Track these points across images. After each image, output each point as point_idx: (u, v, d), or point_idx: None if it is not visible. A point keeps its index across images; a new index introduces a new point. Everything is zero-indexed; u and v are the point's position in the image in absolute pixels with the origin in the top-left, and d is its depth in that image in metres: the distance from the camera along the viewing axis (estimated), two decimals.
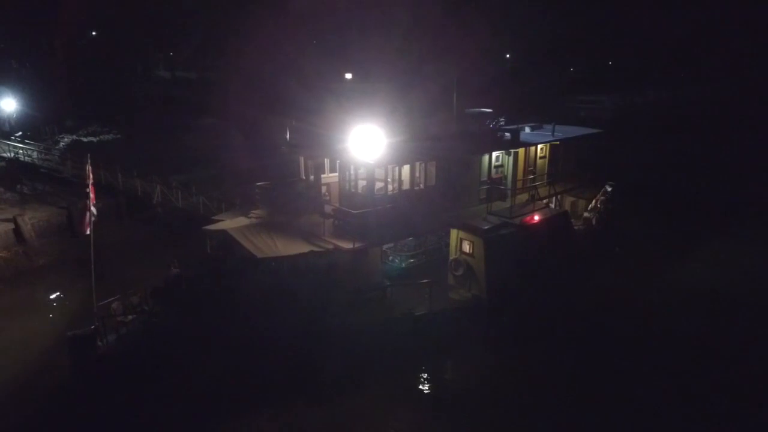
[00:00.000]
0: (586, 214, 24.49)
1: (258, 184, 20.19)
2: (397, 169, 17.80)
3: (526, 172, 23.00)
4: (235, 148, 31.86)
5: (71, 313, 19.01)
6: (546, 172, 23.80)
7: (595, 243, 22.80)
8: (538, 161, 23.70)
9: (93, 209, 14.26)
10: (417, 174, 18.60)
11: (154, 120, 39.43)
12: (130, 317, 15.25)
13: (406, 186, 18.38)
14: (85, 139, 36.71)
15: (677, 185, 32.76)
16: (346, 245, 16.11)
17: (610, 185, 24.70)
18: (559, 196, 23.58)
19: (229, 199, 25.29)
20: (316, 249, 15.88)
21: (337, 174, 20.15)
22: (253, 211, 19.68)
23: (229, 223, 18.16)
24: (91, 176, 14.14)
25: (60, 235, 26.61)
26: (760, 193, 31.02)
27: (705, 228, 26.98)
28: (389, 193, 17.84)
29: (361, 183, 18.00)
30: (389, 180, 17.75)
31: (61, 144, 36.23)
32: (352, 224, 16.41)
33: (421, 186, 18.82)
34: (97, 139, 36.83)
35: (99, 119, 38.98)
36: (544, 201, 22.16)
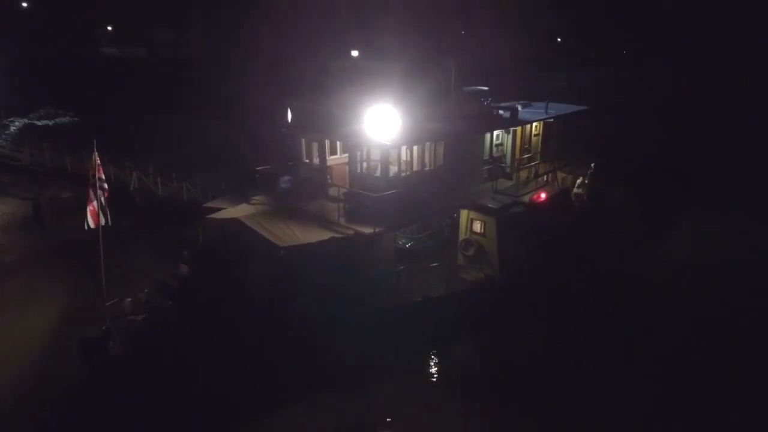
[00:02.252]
0: (577, 190, 25.02)
1: (258, 168, 19.19)
2: (412, 149, 17.36)
3: (522, 150, 23.10)
4: (213, 130, 30.13)
5: (62, 313, 17.56)
6: (540, 149, 24.00)
7: (590, 218, 23.33)
8: (533, 139, 23.85)
9: (102, 201, 13.01)
10: (427, 155, 18.22)
11: (116, 101, 36.67)
12: (140, 317, 14.21)
13: (416, 167, 17.98)
14: (39, 123, 33.67)
15: (657, 160, 33.86)
16: (366, 230, 15.62)
17: (595, 162, 25.29)
18: (550, 174, 23.87)
19: (215, 185, 24.01)
20: (336, 235, 15.31)
21: (338, 156, 19.50)
22: (255, 197, 18.73)
23: (235, 211, 17.16)
24: (98, 160, 12.88)
25: (27, 229, 24.53)
26: (734, 166, 32.69)
27: (687, 200, 28.20)
28: (402, 174, 17.39)
29: (374, 165, 17.41)
30: (403, 161, 17.29)
31: (12, 129, 33.09)
32: (369, 208, 15.89)
33: (431, 166, 18.47)
34: (53, 122, 33.87)
35: (51, 100, 35.78)
36: (544, 178, 22.41)
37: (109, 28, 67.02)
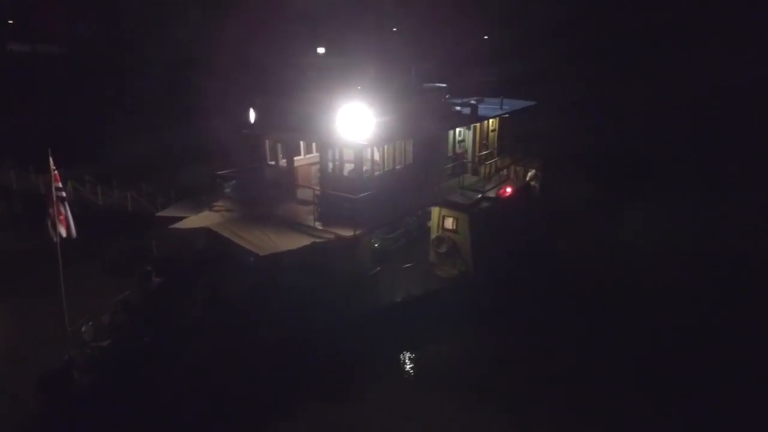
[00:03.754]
0: (532, 183, 25.86)
1: (219, 173, 18.09)
2: (384, 148, 17.06)
3: (481, 146, 23.49)
4: (154, 132, 28.04)
5: (11, 341, 15.54)
6: (496, 145, 24.52)
7: (550, 210, 24.15)
8: (490, 134, 24.32)
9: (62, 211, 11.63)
10: (397, 153, 17.99)
11: (31, 102, 33.18)
12: (106, 341, 12.88)
13: (389, 166, 17.71)
14: None
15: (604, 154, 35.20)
16: (345, 233, 15.13)
17: (542, 156, 26.30)
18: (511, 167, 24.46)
19: (165, 192, 22.28)
20: (317, 240, 14.69)
21: (302, 156, 18.84)
22: (217, 204, 17.66)
23: (200, 220, 16.05)
24: (54, 167, 11.51)
25: None
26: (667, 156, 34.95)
27: (638, 191, 29.83)
28: (376, 174, 17.05)
29: (348, 166, 16.93)
30: (376, 160, 16.96)
31: None
32: (348, 210, 15.42)
33: (401, 165, 18.27)
34: None
35: None
36: (505, 172, 22.93)
37: (10, 21, 60.82)
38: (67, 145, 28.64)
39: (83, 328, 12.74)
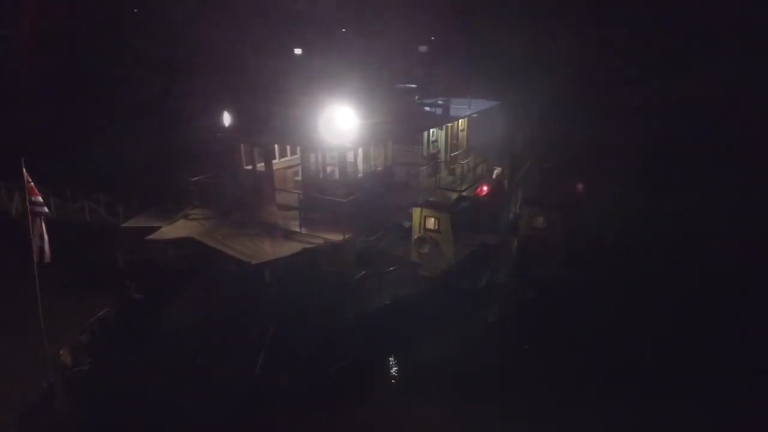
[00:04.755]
0: (504, 180, 26.36)
1: (193, 179, 17.29)
2: (366, 150, 16.90)
3: (451, 145, 23.77)
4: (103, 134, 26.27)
5: None
6: (466, 144, 24.86)
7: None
8: (460, 134, 24.65)
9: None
10: (378, 155, 17.89)
11: None
12: (86, 364, 11.97)
13: (370, 168, 17.56)
14: None
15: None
16: (334, 237, 14.84)
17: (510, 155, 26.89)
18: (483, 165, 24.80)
19: (126, 201, 20.92)
20: (307, 246, 14.31)
21: (278, 160, 18.34)
22: (193, 211, 16.88)
23: (177, 229, 15.28)
24: (29, 180, 10.51)
25: None
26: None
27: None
28: (359, 176, 16.86)
29: (328, 168, 16.64)
30: (359, 163, 16.76)
31: None
32: (335, 213, 15.15)
33: (382, 167, 18.18)
34: None
35: None
36: (476, 171, 23.26)
37: None
38: (11, 152, 26.48)
39: (61, 352, 11.75)
